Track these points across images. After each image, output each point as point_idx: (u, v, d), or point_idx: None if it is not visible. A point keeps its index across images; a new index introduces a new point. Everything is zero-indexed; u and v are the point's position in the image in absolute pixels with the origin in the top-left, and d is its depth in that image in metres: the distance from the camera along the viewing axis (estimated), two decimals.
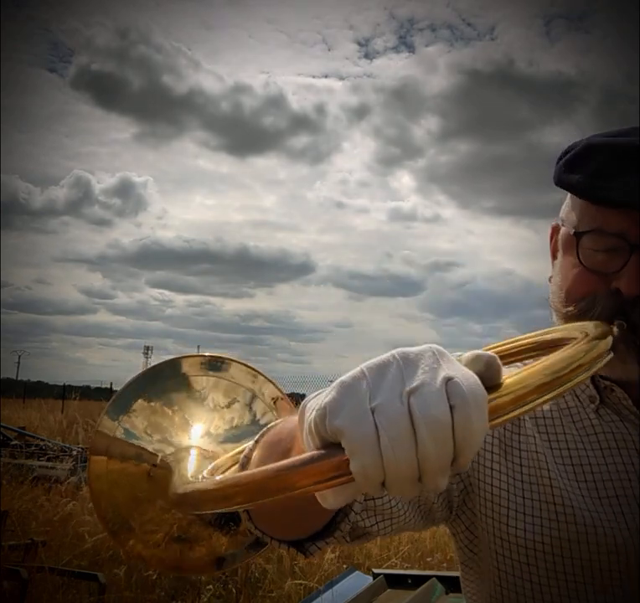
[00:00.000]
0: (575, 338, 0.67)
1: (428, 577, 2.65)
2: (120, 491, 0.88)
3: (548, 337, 0.75)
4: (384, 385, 0.46)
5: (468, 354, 0.51)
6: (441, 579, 2.57)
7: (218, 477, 0.59)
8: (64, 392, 21.96)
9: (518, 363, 0.81)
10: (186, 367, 0.96)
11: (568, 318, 0.83)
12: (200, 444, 0.90)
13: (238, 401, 0.96)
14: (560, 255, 0.88)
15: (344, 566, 4.38)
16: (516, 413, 0.51)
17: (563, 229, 0.88)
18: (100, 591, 3.90)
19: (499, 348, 0.77)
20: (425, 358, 0.47)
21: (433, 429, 0.44)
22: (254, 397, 0.97)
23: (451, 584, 2.51)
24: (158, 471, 0.86)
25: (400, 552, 5.00)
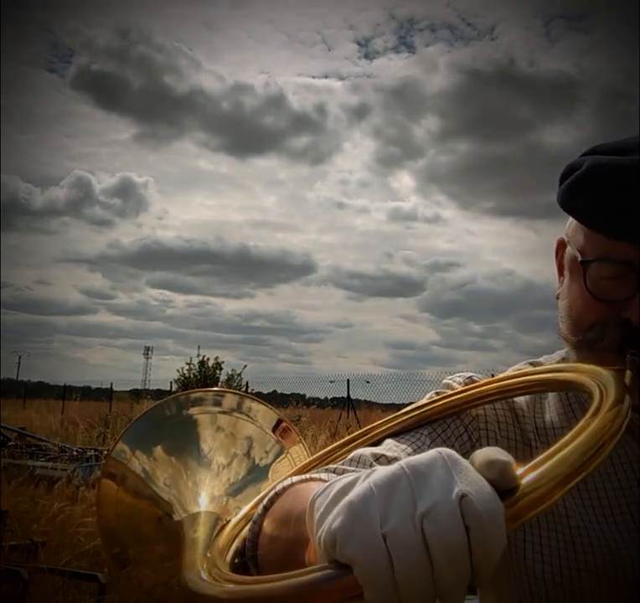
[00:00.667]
0: (586, 386, 0.66)
1: None
2: (125, 522, 0.90)
3: (560, 376, 0.74)
4: (394, 506, 0.43)
5: (481, 458, 0.47)
6: None
7: (230, 586, 0.56)
8: (65, 392, 21.99)
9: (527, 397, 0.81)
10: (191, 408, 0.99)
11: (577, 347, 0.82)
12: (208, 509, 0.90)
13: (237, 455, 0.96)
14: (566, 275, 0.86)
15: None
16: (531, 516, 0.48)
17: (569, 250, 0.86)
18: (101, 592, 3.90)
19: (506, 382, 0.76)
20: (436, 469, 0.45)
21: (449, 555, 0.42)
22: (251, 441, 0.98)
23: None
24: (169, 521, 0.87)
25: None
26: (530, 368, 0.81)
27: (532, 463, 0.50)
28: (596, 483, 0.81)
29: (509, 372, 0.84)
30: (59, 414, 15.16)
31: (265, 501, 0.67)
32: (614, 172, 0.78)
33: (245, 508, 0.79)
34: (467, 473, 0.45)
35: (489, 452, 0.48)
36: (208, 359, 16.75)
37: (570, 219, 0.86)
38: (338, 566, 0.45)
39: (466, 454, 0.86)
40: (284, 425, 1.00)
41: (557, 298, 0.88)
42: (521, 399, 0.88)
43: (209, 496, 0.92)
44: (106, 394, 22.77)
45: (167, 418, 0.97)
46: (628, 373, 0.71)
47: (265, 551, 0.66)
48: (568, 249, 0.86)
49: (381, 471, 0.46)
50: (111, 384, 23.16)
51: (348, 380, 17.65)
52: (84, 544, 4.71)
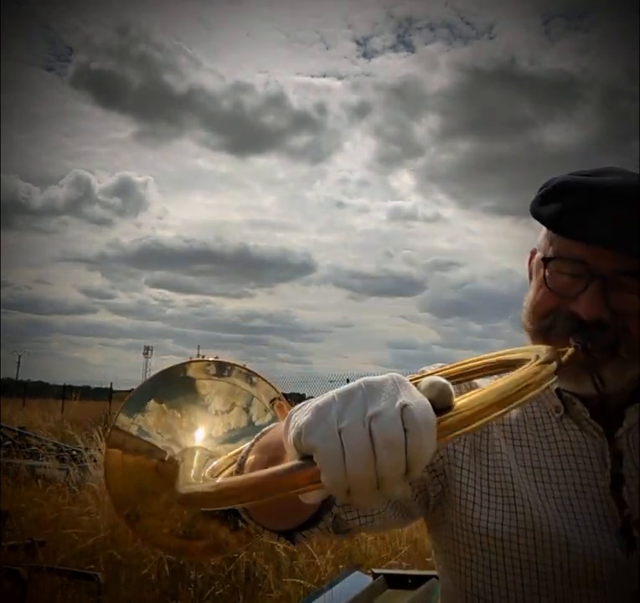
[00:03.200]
0: (528, 358, 0.75)
1: (428, 577, 2.65)
2: (131, 481, 0.98)
3: (509, 357, 0.82)
4: (349, 410, 0.55)
5: (425, 381, 0.59)
6: None
7: (217, 480, 0.69)
8: (64, 392, 21.96)
9: (483, 379, 0.91)
10: (192, 371, 1.06)
11: (532, 333, 0.93)
12: (203, 445, 0.99)
13: (237, 406, 1.05)
14: (533, 278, 0.98)
15: (341, 566, 4.38)
16: (461, 432, 0.59)
17: (536, 255, 0.98)
18: (99, 591, 3.90)
19: (467, 365, 0.86)
20: (387, 386, 0.56)
21: (389, 448, 0.53)
22: (252, 400, 1.07)
23: None
24: (166, 466, 0.96)
25: (399, 552, 5.00)
26: (487, 354, 0.91)
27: (466, 394, 0.61)
28: (557, 477, 0.91)
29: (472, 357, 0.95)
30: (59, 413, 15.15)
31: (253, 439, 0.78)
32: (577, 187, 0.91)
33: (236, 450, 0.88)
34: (411, 391, 0.56)
35: (432, 378, 0.59)
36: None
37: (542, 231, 0.98)
38: (302, 459, 0.56)
39: None
40: (282, 401, 1.08)
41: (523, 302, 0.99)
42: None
43: (204, 433, 1.01)
44: (106, 394, 22.74)
45: (167, 382, 1.04)
46: (569, 350, 0.82)
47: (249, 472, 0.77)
48: (536, 255, 0.98)
49: (343, 386, 0.57)
50: (111, 384, 23.13)
51: (347, 380, 17.35)
52: (82, 544, 4.71)
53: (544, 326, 0.91)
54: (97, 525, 4.99)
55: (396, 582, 2.71)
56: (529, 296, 0.97)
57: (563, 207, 0.91)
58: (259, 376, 1.08)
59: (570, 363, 0.82)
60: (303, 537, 0.83)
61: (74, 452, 8.28)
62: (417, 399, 0.55)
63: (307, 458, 0.56)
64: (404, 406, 0.54)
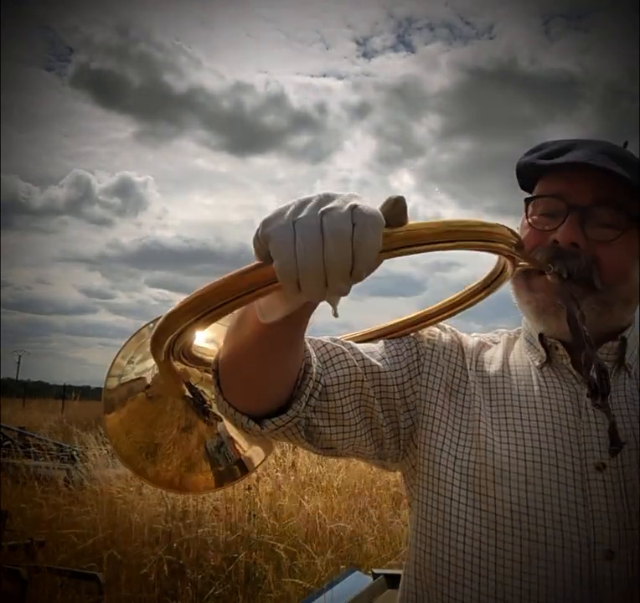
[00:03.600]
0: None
1: None
2: (133, 432, 0.96)
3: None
4: (306, 208, 0.59)
5: (385, 199, 0.63)
6: None
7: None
8: (64, 392, 21.95)
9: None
10: None
11: (516, 274, 0.94)
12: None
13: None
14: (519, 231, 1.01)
15: (343, 567, 4.37)
16: (407, 249, 0.63)
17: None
18: (100, 591, 3.89)
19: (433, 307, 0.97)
20: (343, 195, 0.60)
21: (336, 238, 0.56)
22: None
23: None
24: (154, 389, 0.95)
25: (399, 552, 4.99)
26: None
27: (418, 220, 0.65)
28: (529, 428, 0.90)
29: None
30: (59, 413, 15.13)
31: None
32: (557, 141, 0.97)
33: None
34: (366, 201, 0.60)
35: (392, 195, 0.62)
36: None
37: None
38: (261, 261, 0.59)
39: (411, 363, 0.97)
40: None
41: None
42: (471, 341, 1.04)
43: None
44: None
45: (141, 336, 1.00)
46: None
47: (221, 349, 0.83)
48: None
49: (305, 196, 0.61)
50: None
51: None
52: (82, 544, 4.71)
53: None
54: (97, 525, 4.98)
55: (396, 582, 2.70)
56: None
57: (543, 150, 0.96)
58: None
59: (557, 293, 0.88)
60: (272, 423, 0.83)
61: (74, 452, 8.27)
62: (369, 206, 0.59)
63: (265, 260, 0.59)
64: (354, 206, 0.58)
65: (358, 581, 2.80)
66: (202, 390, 0.95)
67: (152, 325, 0.97)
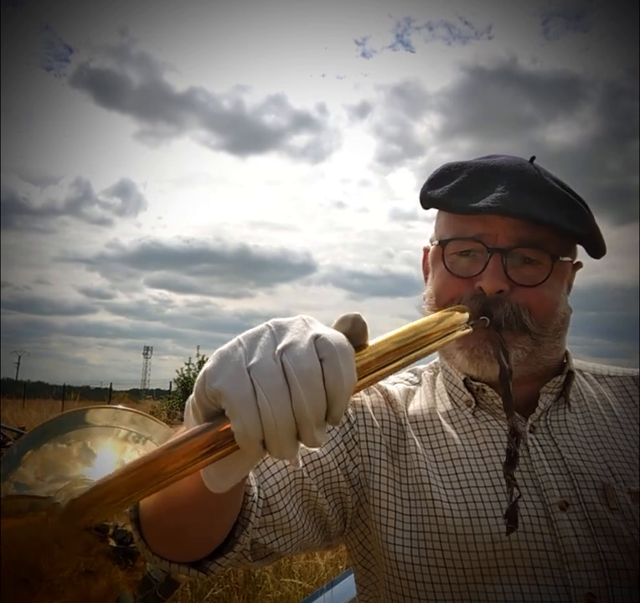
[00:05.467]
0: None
1: None
2: (22, 546, 0.81)
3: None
4: (258, 348, 0.49)
5: (337, 318, 0.54)
6: None
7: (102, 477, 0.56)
8: (64, 392, 21.96)
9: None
10: (82, 417, 0.93)
11: None
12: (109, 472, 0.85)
13: (152, 440, 0.92)
14: (431, 270, 0.96)
15: (341, 567, 4.37)
16: (380, 372, 0.56)
17: (431, 248, 0.97)
18: None
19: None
20: (296, 323, 0.51)
21: (305, 380, 0.47)
22: (145, 440, 0.94)
23: None
24: (52, 515, 0.79)
25: None
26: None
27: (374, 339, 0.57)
28: (477, 465, 0.88)
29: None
30: (59, 413, 15.11)
31: None
32: (464, 167, 0.92)
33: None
34: (323, 326, 0.52)
35: (344, 314, 0.54)
36: (207, 359, 16.57)
37: (432, 228, 0.99)
38: (206, 422, 0.49)
39: (345, 435, 0.90)
40: None
41: (423, 299, 0.97)
42: (394, 390, 0.99)
43: (114, 459, 0.88)
44: (106, 394, 22.77)
45: (48, 430, 0.90)
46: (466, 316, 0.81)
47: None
48: (431, 248, 0.97)
49: (248, 330, 0.52)
50: (111, 384, 23.21)
51: None
52: None
53: None
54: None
55: None
56: (430, 287, 0.95)
57: (453, 185, 0.91)
58: (150, 417, 0.95)
59: (488, 340, 0.85)
60: (219, 566, 0.74)
61: None
62: (331, 331, 0.51)
63: (213, 419, 0.49)
64: (316, 336, 0.49)
65: None
66: (128, 533, 0.82)
67: (55, 443, 0.87)
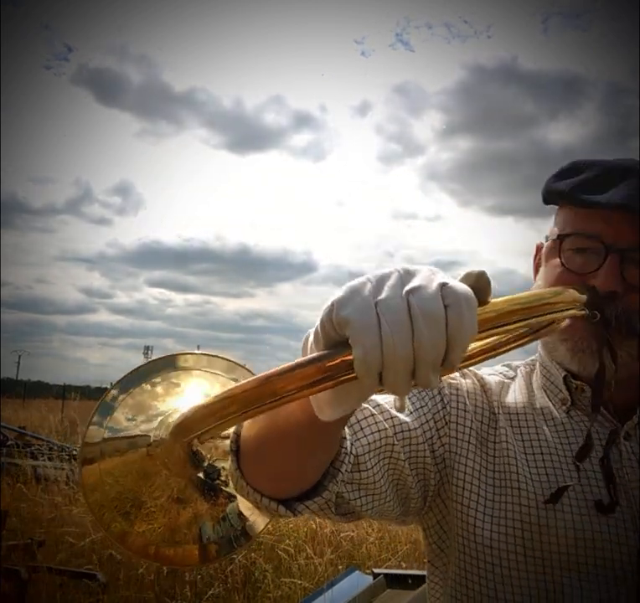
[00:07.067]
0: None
1: None
2: (123, 480, 0.87)
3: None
4: (386, 286, 0.50)
5: (462, 274, 0.55)
6: None
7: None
8: (64, 392, 21.94)
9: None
10: (173, 361, 0.95)
11: None
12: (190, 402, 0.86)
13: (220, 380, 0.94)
14: (543, 264, 0.95)
15: (340, 567, 4.37)
16: (500, 330, 0.58)
17: (547, 243, 0.95)
18: (100, 591, 3.89)
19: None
20: (423, 271, 0.52)
21: (428, 321, 0.48)
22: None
23: None
24: (155, 449, 0.86)
25: (399, 552, 4.99)
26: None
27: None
28: (553, 462, 0.87)
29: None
30: (59, 413, 15.12)
31: None
32: (592, 164, 0.91)
33: None
34: (449, 277, 0.52)
35: (470, 270, 0.55)
36: None
37: (554, 217, 0.97)
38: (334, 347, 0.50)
39: (437, 414, 0.91)
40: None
41: None
42: (490, 380, 0.99)
43: (200, 391, 0.91)
44: None
45: (136, 376, 0.94)
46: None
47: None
48: (546, 244, 0.95)
49: (377, 271, 0.53)
50: (111, 384, 23.10)
51: None
52: (81, 543, 4.70)
53: None
54: (96, 525, 4.97)
55: (396, 582, 2.71)
56: (542, 281, 0.93)
57: (579, 179, 0.90)
58: (242, 366, 0.96)
59: (594, 338, 0.83)
60: (306, 507, 0.76)
61: (74, 452, 8.26)
62: (457, 282, 0.52)
63: (335, 346, 0.50)
64: (444, 284, 0.50)
65: (358, 581, 2.80)
66: (221, 467, 0.87)
67: (146, 385, 0.92)
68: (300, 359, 0.51)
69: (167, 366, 0.94)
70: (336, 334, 0.50)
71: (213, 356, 0.96)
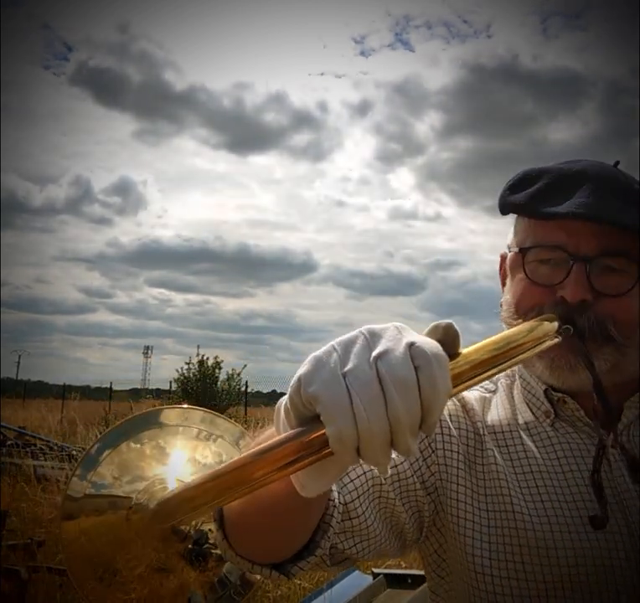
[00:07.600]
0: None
1: None
2: (98, 542, 0.85)
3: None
4: (353, 354, 0.49)
5: (429, 326, 0.54)
6: None
7: (190, 479, 0.59)
8: (64, 392, 21.95)
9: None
10: (151, 417, 0.95)
11: None
12: (183, 471, 0.88)
13: (223, 438, 0.94)
14: (508, 277, 0.94)
15: None
16: (475, 380, 0.56)
17: (510, 254, 0.94)
18: None
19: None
20: (389, 330, 0.51)
21: (401, 388, 0.47)
22: (241, 436, 0.95)
23: None
24: (135, 513, 0.83)
25: None
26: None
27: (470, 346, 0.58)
28: (558, 479, 0.85)
29: None
30: (59, 413, 15.13)
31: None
32: (544, 172, 0.89)
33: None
34: (416, 334, 0.51)
35: (437, 322, 0.54)
36: (207, 359, 16.59)
37: (509, 234, 0.96)
38: (300, 426, 0.49)
39: (421, 443, 0.88)
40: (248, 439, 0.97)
41: (501, 306, 0.94)
42: (470, 396, 0.96)
43: (186, 456, 0.90)
44: (106, 394, 22.75)
45: (124, 430, 0.92)
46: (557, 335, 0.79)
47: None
48: (509, 255, 0.94)
49: (341, 336, 0.52)
50: (111, 384, 23.17)
51: None
52: None
53: (531, 319, 0.84)
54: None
55: (396, 582, 2.71)
56: (509, 295, 0.92)
57: (534, 190, 0.88)
58: (220, 416, 0.97)
59: (569, 350, 0.82)
60: (300, 569, 0.75)
61: (74, 452, 8.26)
62: (425, 339, 0.50)
63: (306, 424, 0.49)
64: (411, 344, 0.48)
65: (358, 581, 2.79)
66: (208, 530, 0.86)
67: (130, 443, 0.90)
68: (273, 440, 0.50)
69: (152, 422, 0.94)
70: (306, 410, 0.49)
71: (194, 409, 0.96)
